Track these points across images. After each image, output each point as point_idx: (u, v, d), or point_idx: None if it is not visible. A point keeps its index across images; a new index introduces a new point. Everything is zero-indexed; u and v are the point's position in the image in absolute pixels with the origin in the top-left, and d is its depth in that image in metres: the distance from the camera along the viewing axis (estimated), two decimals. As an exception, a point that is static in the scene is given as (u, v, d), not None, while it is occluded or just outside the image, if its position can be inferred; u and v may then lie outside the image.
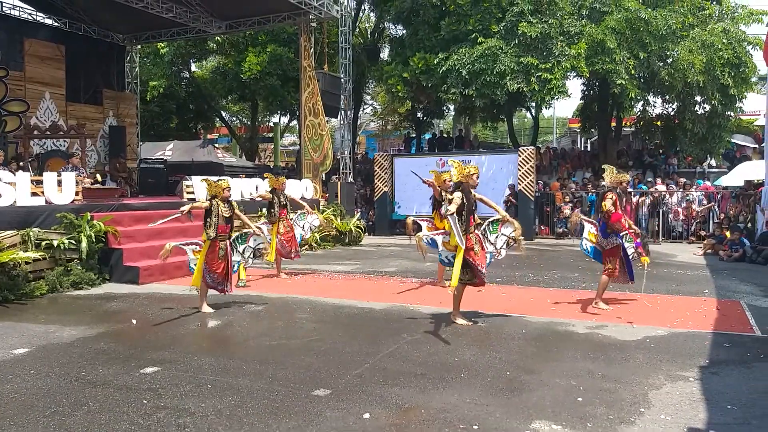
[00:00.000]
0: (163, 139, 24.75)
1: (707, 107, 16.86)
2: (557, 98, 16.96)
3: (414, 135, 24.93)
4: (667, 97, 17.34)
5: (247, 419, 3.70)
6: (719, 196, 15.13)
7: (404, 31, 19.75)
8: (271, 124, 34.55)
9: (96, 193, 11.43)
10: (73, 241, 8.47)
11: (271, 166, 27.84)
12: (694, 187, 16.04)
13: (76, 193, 9.73)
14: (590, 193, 16.04)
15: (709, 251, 12.40)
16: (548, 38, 15.39)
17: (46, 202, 8.89)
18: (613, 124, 19.35)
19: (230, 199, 7.05)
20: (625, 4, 15.36)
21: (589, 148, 26.01)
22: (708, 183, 16.70)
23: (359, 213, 17.12)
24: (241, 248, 7.15)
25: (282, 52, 20.87)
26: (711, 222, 14.73)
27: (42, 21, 16.62)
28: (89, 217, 8.83)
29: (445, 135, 24.86)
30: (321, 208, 14.49)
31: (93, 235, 8.67)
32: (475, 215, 6.09)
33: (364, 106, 31.09)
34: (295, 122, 29.58)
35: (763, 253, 11.05)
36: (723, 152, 18.99)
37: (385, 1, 19.21)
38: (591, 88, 19.61)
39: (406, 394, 4.13)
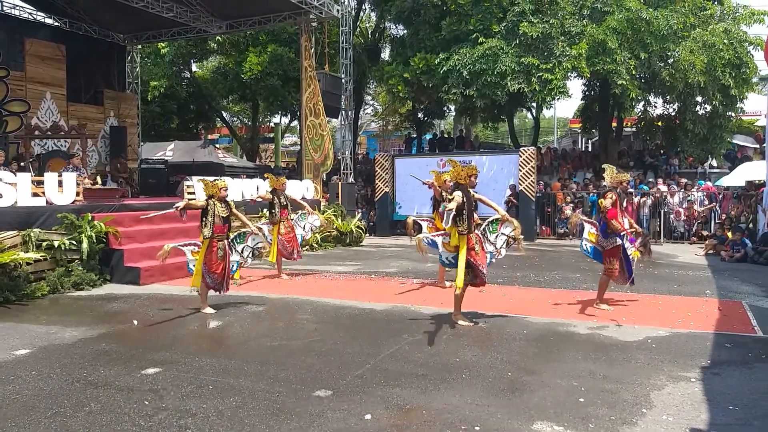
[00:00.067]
0: (163, 140, 24.75)
1: (708, 108, 16.84)
2: (558, 98, 16.97)
3: (415, 135, 24.93)
4: (668, 97, 17.31)
5: (249, 420, 3.70)
6: (721, 196, 15.12)
7: (405, 31, 19.75)
8: (271, 124, 34.56)
9: (97, 194, 11.43)
10: (74, 242, 8.47)
11: (272, 166, 27.84)
12: (696, 187, 16.02)
13: (77, 194, 9.73)
14: (591, 194, 16.02)
15: (710, 252, 12.39)
16: (549, 38, 15.38)
17: (47, 202, 8.88)
18: (614, 124, 19.34)
19: (227, 198, 7.05)
20: (627, 4, 15.36)
21: (590, 149, 25.99)
22: (709, 183, 16.68)
23: (360, 213, 17.11)
24: (239, 248, 7.16)
25: (283, 52, 20.87)
26: (712, 222, 14.72)
27: (42, 21, 16.62)
28: (90, 218, 8.83)
29: (445, 135, 24.85)
30: (322, 208, 14.49)
31: (94, 235, 8.66)
32: (476, 215, 6.09)
33: (365, 107, 31.11)
34: (295, 122, 29.58)
35: (764, 254, 11.03)
36: (724, 153, 18.99)
37: (385, 1, 19.20)
38: (592, 89, 19.60)
39: (407, 395, 4.13)
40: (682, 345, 5.36)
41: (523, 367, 4.76)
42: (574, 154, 22.01)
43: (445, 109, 24.16)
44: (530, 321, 6.29)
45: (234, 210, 7.05)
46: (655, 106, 18.42)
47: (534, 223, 15.51)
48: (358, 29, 22.56)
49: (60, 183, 9.21)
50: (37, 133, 14.08)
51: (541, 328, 5.98)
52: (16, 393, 4.21)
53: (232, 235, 7.06)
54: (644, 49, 15.24)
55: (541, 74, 15.33)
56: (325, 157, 16.22)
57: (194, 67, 27.32)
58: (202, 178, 7.90)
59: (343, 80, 17.00)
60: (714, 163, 19.55)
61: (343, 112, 17.55)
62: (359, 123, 26.67)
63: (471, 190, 6.04)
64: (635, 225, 7.12)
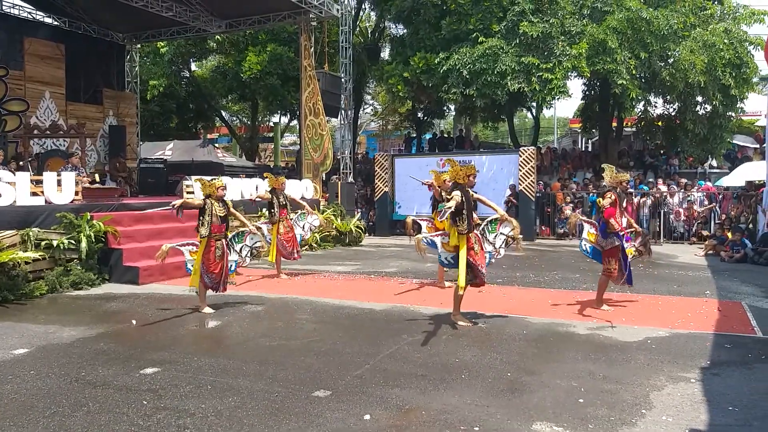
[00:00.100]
0: (163, 139, 24.73)
1: (708, 108, 16.84)
2: (558, 98, 16.95)
3: (414, 135, 24.91)
4: (668, 97, 17.31)
5: (247, 420, 3.69)
6: (720, 196, 15.12)
7: (405, 31, 19.74)
8: (271, 123, 34.55)
9: (96, 193, 11.42)
10: (73, 241, 8.45)
11: (272, 166, 27.83)
12: (696, 187, 16.02)
13: (76, 193, 9.72)
14: (591, 194, 16.02)
15: (710, 252, 12.39)
16: (549, 38, 15.38)
17: (46, 201, 8.87)
18: (614, 124, 19.33)
19: (225, 198, 7.04)
20: (627, 3, 15.35)
21: (590, 149, 25.99)
22: (709, 183, 16.68)
23: (359, 213, 17.10)
24: (238, 247, 7.15)
25: (282, 52, 20.86)
26: (712, 223, 14.71)
27: (42, 20, 16.59)
28: (89, 217, 8.82)
29: (445, 135, 24.85)
30: (321, 208, 14.48)
31: (93, 235, 8.65)
32: (476, 214, 6.08)
33: (365, 106, 31.09)
34: (295, 122, 29.58)
35: (764, 254, 11.03)
36: (724, 153, 18.99)
37: (385, 0, 19.19)
38: (592, 88, 19.60)
39: (406, 395, 4.12)
40: (682, 345, 5.35)
41: (522, 367, 4.75)
42: (574, 154, 22.00)
43: (445, 108, 24.16)
44: (530, 321, 6.28)
45: (232, 209, 7.04)
46: (656, 106, 18.46)
47: (534, 223, 15.51)
48: (357, 28, 22.55)
49: (59, 182, 9.19)
50: (36, 132, 14.08)
51: (540, 329, 5.97)
52: (14, 392, 4.20)
53: (230, 235, 7.05)
54: (644, 48, 15.24)
55: (541, 74, 15.32)
56: (324, 156, 16.21)
57: (193, 67, 27.31)
58: (199, 177, 7.88)
59: (342, 80, 16.99)
60: (714, 163, 19.56)
61: (343, 112, 17.54)
62: (359, 122, 26.67)
63: (470, 189, 6.03)
64: (635, 225, 7.11)
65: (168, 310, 6.93)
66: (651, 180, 17.10)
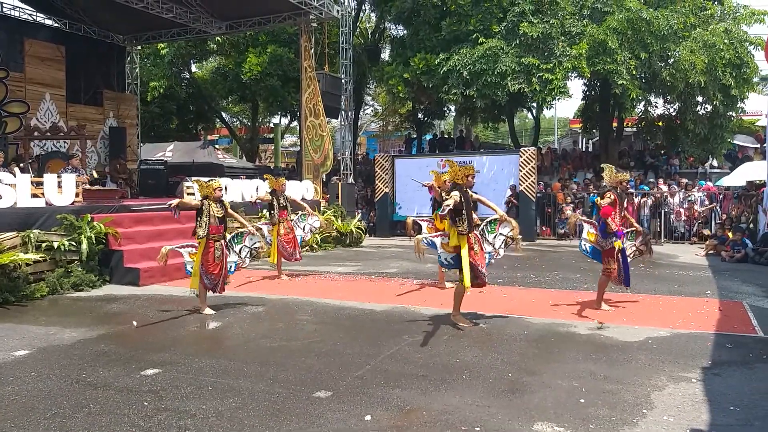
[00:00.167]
0: (163, 140, 24.74)
1: (709, 108, 16.83)
2: (558, 99, 16.96)
3: (415, 136, 24.92)
4: (668, 97, 17.31)
5: (248, 421, 3.69)
6: (721, 196, 15.11)
7: (405, 32, 19.75)
8: (271, 125, 34.56)
9: (96, 195, 11.42)
10: (74, 243, 8.45)
11: (272, 167, 27.85)
12: (696, 187, 16.01)
13: (77, 195, 9.72)
14: (592, 194, 16.01)
15: (711, 252, 12.38)
16: (549, 38, 15.38)
17: (47, 203, 8.87)
18: (615, 124, 19.33)
19: (222, 199, 7.05)
20: (627, 4, 15.35)
21: (590, 149, 26.00)
22: (710, 183, 16.67)
23: (360, 214, 17.11)
24: (237, 248, 7.15)
25: (282, 53, 20.87)
26: (713, 223, 14.71)
27: (42, 22, 16.62)
28: (89, 219, 8.82)
29: (446, 136, 24.84)
30: (322, 209, 14.48)
31: (93, 236, 8.65)
32: (476, 215, 6.08)
33: (365, 107, 31.10)
34: (295, 123, 29.57)
35: (765, 254, 11.02)
36: (725, 153, 18.98)
37: (385, 1, 19.21)
38: (592, 89, 19.60)
39: (407, 396, 4.11)
40: (683, 345, 5.35)
41: (523, 367, 4.75)
42: (575, 155, 22.00)
43: (445, 109, 24.17)
44: (530, 321, 6.28)
45: (230, 210, 7.05)
46: (656, 106, 18.45)
47: (534, 223, 15.50)
48: (357, 30, 22.56)
49: (59, 184, 9.20)
50: (36, 134, 14.08)
51: (541, 329, 5.97)
52: (15, 394, 4.20)
53: (229, 236, 7.05)
54: (645, 49, 15.23)
55: (541, 74, 15.32)
56: (324, 157, 16.21)
57: (194, 68, 27.33)
58: (197, 178, 7.89)
59: (342, 81, 17.00)
60: (714, 163, 19.55)
61: (343, 113, 17.54)
62: (359, 123, 26.67)
63: (469, 190, 6.03)
64: (636, 224, 7.10)
65: (169, 312, 6.93)
66: (651, 180, 17.10)
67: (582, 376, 4.52)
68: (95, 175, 13.58)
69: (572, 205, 15.84)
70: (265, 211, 10.83)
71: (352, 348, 5.33)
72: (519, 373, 4.62)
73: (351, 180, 17.40)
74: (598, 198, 6.65)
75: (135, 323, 6.37)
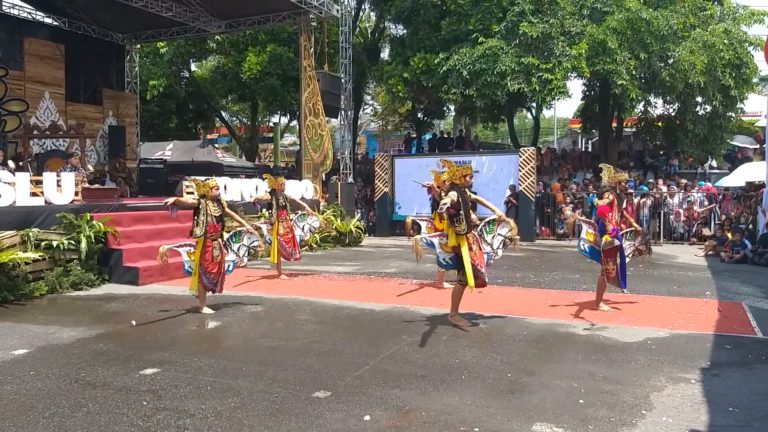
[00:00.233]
0: (162, 139, 24.74)
1: (708, 108, 16.83)
2: (558, 99, 16.97)
3: (414, 135, 24.91)
4: (668, 97, 17.30)
5: (247, 421, 3.69)
6: (720, 197, 15.12)
7: (405, 31, 19.74)
8: (271, 124, 34.53)
9: (95, 194, 11.41)
10: (73, 242, 8.44)
11: (271, 166, 27.84)
12: (696, 188, 16.02)
13: (76, 194, 9.71)
14: (591, 194, 16.01)
15: (710, 252, 12.39)
16: (549, 38, 15.38)
17: (46, 202, 8.87)
18: (614, 124, 19.33)
19: (220, 197, 7.04)
20: (627, 4, 15.35)
21: (590, 149, 25.98)
22: (709, 184, 16.68)
23: (359, 214, 17.11)
24: (235, 247, 7.14)
25: (282, 52, 20.86)
26: (712, 223, 14.71)
27: (41, 20, 16.60)
28: (89, 218, 8.81)
29: (445, 135, 24.85)
30: (321, 208, 14.47)
31: (92, 235, 8.64)
32: (475, 215, 6.07)
33: (365, 107, 31.09)
34: (295, 122, 29.57)
35: (764, 255, 11.02)
36: (724, 153, 18.98)
37: (385, 1, 19.19)
38: (592, 89, 19.60)
39: (406, 396, 4.11)
40: (682, 346, 5.35)
41: (522, 368, 4.75)
42: (574, 155, 22.00)
43: (445, 109, 24.15)
44: (530, 322, 6.28)
45: (227, 209, 7.05)
46: (655, 107, 18.43)
47: (534, 223, 15.51)
48: (357, 29, 22.55)
49: (58, 183, 9.19)
50: (35, 132, 14.07)
51: (540, 329, 5.97)
52: (14, 393, 4.20)
53: (227, 235, 7.05)
54: (644, 49, 15.24)
55: (541, 74, 15.32)
56: (324, 157, 16.21)
57: (193, 67, 27.32)
58: (194, 177, 7.89)
59: (342, 80, 16.99)
60: (714, 163, 19.56)
61: (343, 112, 17.54)
62: (359, 123, 26.67)
63: (467, 190, 6.02)
64: (635, 224, 7.10)
65: (168, 311, 6.92)
66: (651, 180, 17.10)
67: (581, 376, 4.52)
68: (91, 168, 13.55)
69: (571, 206, 15.85)
70: (264, 210, 10.83)
71: (351, 348, 5.32)
72: (518, 373, 4.61)
73: (350, 179, 17.40)
74: (596, 198, 6.64)
75: (134, 322, 6.37)
